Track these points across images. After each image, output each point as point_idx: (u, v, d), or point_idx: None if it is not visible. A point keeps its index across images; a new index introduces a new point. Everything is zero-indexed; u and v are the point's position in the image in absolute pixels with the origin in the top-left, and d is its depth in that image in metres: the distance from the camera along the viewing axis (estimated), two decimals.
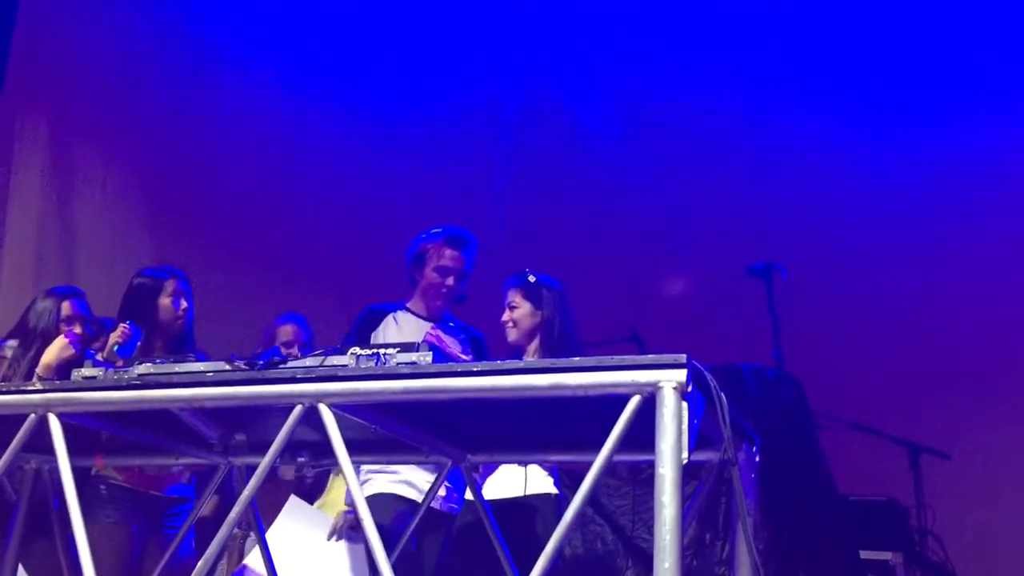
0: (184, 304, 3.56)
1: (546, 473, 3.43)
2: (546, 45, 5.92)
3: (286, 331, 3.89)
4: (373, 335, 3.52)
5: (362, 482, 3.48)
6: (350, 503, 3.53)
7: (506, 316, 3.56)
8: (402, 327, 3.56)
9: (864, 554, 4.34)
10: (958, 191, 5.42)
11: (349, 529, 3.53)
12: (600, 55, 5.88)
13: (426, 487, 3.34)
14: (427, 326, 3.56)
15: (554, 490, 3.42)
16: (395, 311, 3.63)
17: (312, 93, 5.97)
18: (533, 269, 3.62)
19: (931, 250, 5.38)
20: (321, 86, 5.96)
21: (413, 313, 3.62)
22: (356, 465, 2.76)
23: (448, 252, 3.57)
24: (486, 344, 3.68)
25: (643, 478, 3.70)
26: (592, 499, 3.82)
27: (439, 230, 3.64)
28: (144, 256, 5.54)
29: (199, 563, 2.37)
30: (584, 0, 5.97)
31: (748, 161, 5.66)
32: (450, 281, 3.58)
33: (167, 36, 5.90)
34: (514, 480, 3.43)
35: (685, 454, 1.91)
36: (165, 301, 3.54)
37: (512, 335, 3.53)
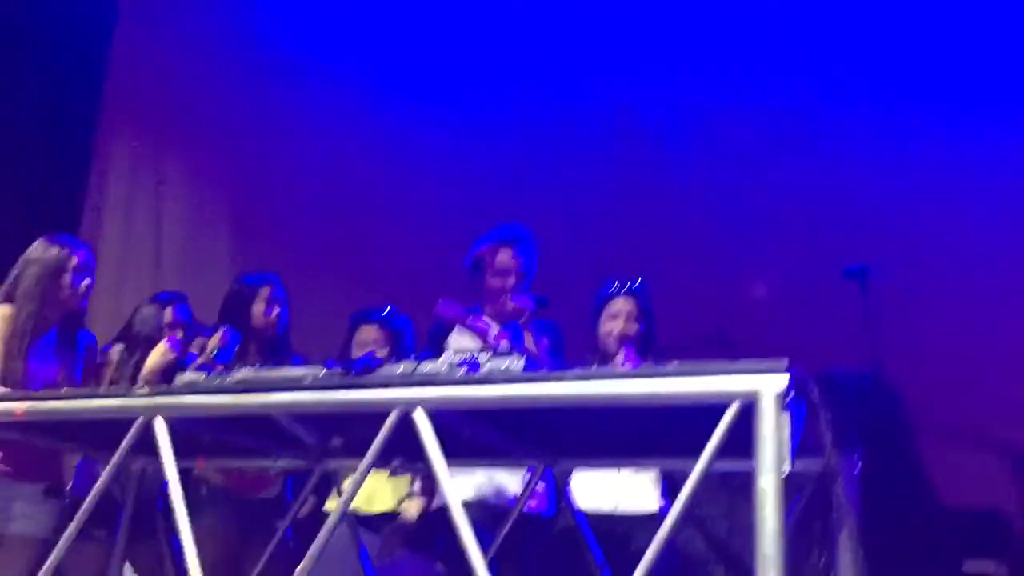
0: (276, 310, 3.64)
1: (652, 487, 3.38)
2: (617, 49, 5.87)
3: (369, 331, 3.78)
4: (446, 343, 3.52)
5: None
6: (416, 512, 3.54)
7: (622, 327, 3.46)
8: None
9: (967, 565, 4.21)
10: None
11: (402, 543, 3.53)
12: (676, 57, 5.81)
13: (513, 491, 3.34)
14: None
15: (654, 507, 3.36)
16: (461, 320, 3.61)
17: (395, 96, 6.03)
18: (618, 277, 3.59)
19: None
20: (399, 89, 6.02)
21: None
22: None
23: (501, 253, 3.55)
24: (560, 333, 3.62)
25: (737, 484, 3.64)
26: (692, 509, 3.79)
27: (490, 233, 3.61)
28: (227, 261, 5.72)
29: (303, 562, 2.41)
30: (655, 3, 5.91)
31: (839, 159, 5.53)
32: (511, 282, 3.54)
33: (248, 41, 6.05)
34: (611, 492, 3.40)
35: (786, 466, 1.87)
36: (258, 307, 3.63)
37: (615, 345, 3.47)
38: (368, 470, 2.31)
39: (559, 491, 3.33)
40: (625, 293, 3.52)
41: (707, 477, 3.69)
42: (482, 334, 3.41)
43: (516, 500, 3.18)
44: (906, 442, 3.78)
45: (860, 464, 2.56)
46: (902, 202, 5.35)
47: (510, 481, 3.42)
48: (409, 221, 5.78)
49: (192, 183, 6.26)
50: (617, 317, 3.48)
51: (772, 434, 1.87)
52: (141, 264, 6.05)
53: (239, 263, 5.46)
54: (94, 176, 6.20)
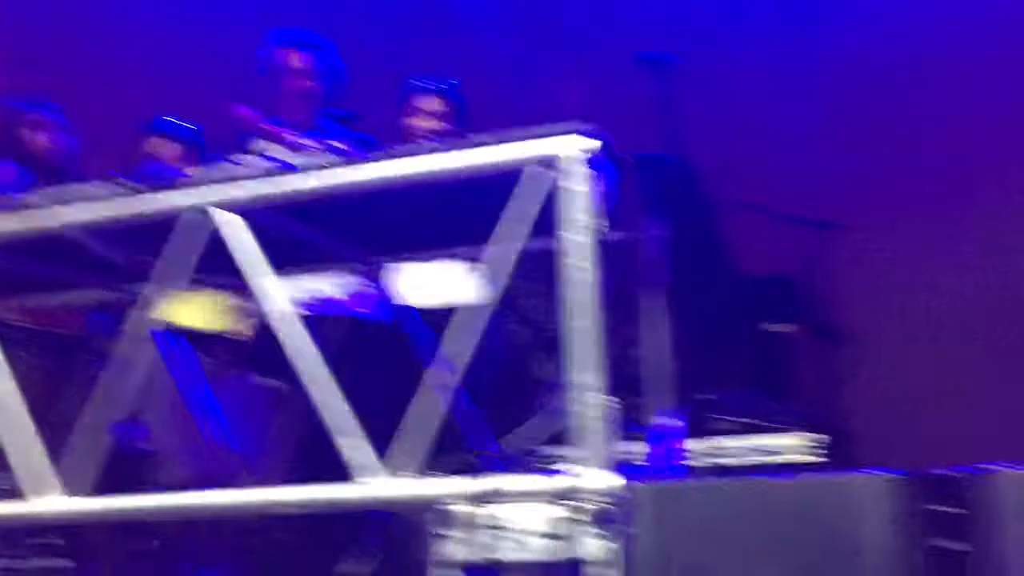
0: (49, 138, 3.38)
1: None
2: None
3: (161, 144, 3.52)
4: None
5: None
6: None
7: (431, 124, 3.37)
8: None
9: (766, 326, 4.54)
10: None
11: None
12: None
13: (332, 297, 3.31)
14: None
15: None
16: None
17: None
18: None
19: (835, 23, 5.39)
20: None
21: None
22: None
23: (294, 56, 3.41)
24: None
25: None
26: (510, 300, 3.89)
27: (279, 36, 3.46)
28: None
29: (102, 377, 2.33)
30: None
31: None
32: (302, 84, 3.40)
33: None
34: (435, 285, 3.42)
35: (598, 220, 1.92)
36: (29, 135, 3.36)
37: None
38: (166, 276, 2.22)
39: (386, 291, 3.33)
40: (433, 90, 3.44)
41: (524, 261, 3.75)
42: (277, 136, 3.27)
43: (343, 306, 3.17)
44: (708, 216, 3.97)
45: (667, 232, 2.67)
46: None
47: (331, 287, 3.38)
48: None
49: None
50: (424, 114, 3.41)
51: (581, 189, 1.91)
52: None
53: None
54: None
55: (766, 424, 3.82)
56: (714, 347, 4.17)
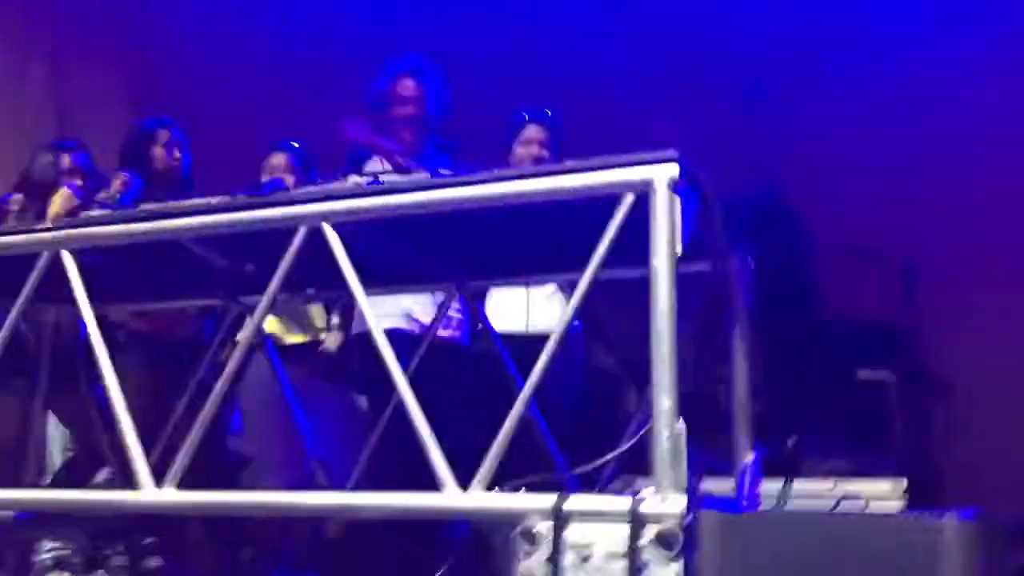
0: (177, 152, 3.62)
1: (562, 304, 3.48)
2: None
3: (278, 160, 3.76)
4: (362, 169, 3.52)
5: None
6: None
7: (535, 151, 3.54)
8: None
9: (861, 374, 4.47)
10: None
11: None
12: None
13: (419, 317, 3.42)
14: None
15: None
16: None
17: None
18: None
19: (928, 84, 5.34)
20: None
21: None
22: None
23: (404, 82, 3.54)
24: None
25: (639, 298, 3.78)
26: (597, 328, 3.91)
27: (392, 63, 3.59)
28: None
29: (216, 387, 2.47)
30: None
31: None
32: (414, 111, 3.55)
33: None
34: (523, 312, 3.51)
35: (679, 247, 1.96)
36: (158, 151, 3.60)
37: None
38: (278, 289, 2.34)
39: (473, 316, 3.43)
40: (537, 121, 3.58)
41: (609, 290, 3.80)
42: (390, 153, 3.42)
43: (429, 327, 3.27)
44: (798, 254, 3.96)
45: (753, 265, 2.67)
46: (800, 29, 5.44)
47: (419, 308, 3.49)
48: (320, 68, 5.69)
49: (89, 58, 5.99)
50: (530, 143, 3.56)
51: (665, 218, 1.96)
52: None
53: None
54: None
55: (854, 470, 3.77)
56: (806, 390, 4.13)
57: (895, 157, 5.20)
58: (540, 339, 3.42)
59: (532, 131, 3.59)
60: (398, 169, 3.31)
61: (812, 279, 4.12)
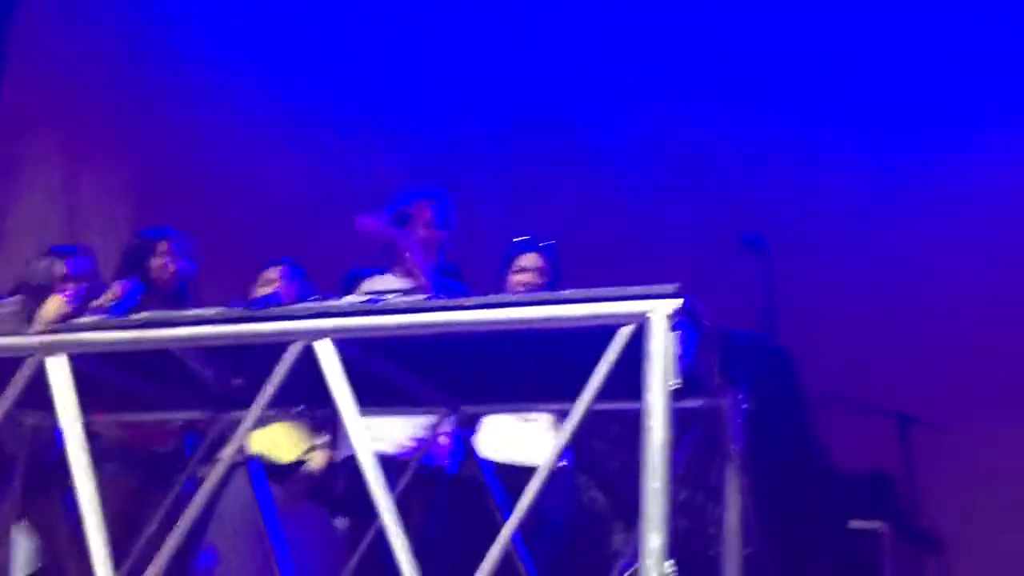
0: (174, 263, 3.62)
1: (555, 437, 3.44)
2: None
3: (273, 273, 3.76)
4: (357, 289, 3.50)
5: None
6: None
7: (529, 278, 3.56)
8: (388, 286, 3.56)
9: (853, 524, 4.39)
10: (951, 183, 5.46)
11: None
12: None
13: (407, 442, 3.36)
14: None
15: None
16: (378, 275, 3.62)
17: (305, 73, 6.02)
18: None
19: (920, 233, 5.43)
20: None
21: (396, 277, 3.61)
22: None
23: (429, 208, 3.58)
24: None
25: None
26: (589, 464, 3.86)
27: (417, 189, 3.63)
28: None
29: (190, 506, 2.40)
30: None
31: (738, 142, 5.72)
32: (426, 234, 3.56)
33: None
34: (515, 443, 3.46)
35: (673, 381, 1.94)
36: (157, 261, 3.62)
37: None
38: (266, 403, 2.30)
39: (464, 443, 3.37)
40: (533, 248, 3.62)
41: (604, 429, 3.73)
42: (418, 265, 3.41)
43: (414, 452, 3.22)
44: (794, 399, 3.92)
45: (747, 405, 2.65)
46: (797, 185, 5.57)
47: (408, 433, 3.43)
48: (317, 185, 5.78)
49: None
50: (525, 271, 3.58)
51: (660, 351, 1.94)
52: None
53: None
54: None
55: None
56: (797, 538, 4.04)
57: (889, 305, 5.24)
58: (530, 471, 3.40)
59: (528, 259, 3.62)
60: (417, 290, 3.27)
61: (807, 422, 4.06)
